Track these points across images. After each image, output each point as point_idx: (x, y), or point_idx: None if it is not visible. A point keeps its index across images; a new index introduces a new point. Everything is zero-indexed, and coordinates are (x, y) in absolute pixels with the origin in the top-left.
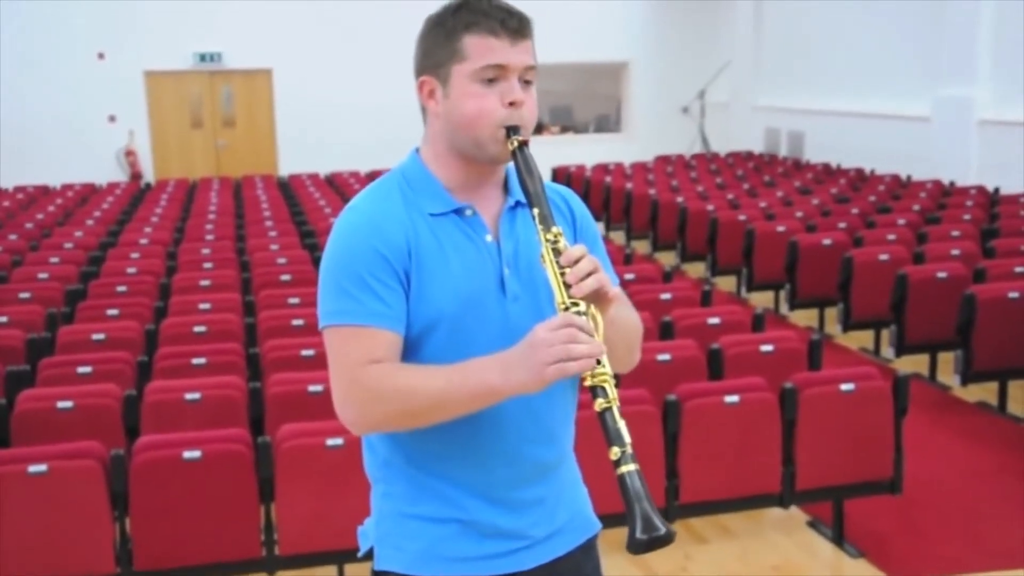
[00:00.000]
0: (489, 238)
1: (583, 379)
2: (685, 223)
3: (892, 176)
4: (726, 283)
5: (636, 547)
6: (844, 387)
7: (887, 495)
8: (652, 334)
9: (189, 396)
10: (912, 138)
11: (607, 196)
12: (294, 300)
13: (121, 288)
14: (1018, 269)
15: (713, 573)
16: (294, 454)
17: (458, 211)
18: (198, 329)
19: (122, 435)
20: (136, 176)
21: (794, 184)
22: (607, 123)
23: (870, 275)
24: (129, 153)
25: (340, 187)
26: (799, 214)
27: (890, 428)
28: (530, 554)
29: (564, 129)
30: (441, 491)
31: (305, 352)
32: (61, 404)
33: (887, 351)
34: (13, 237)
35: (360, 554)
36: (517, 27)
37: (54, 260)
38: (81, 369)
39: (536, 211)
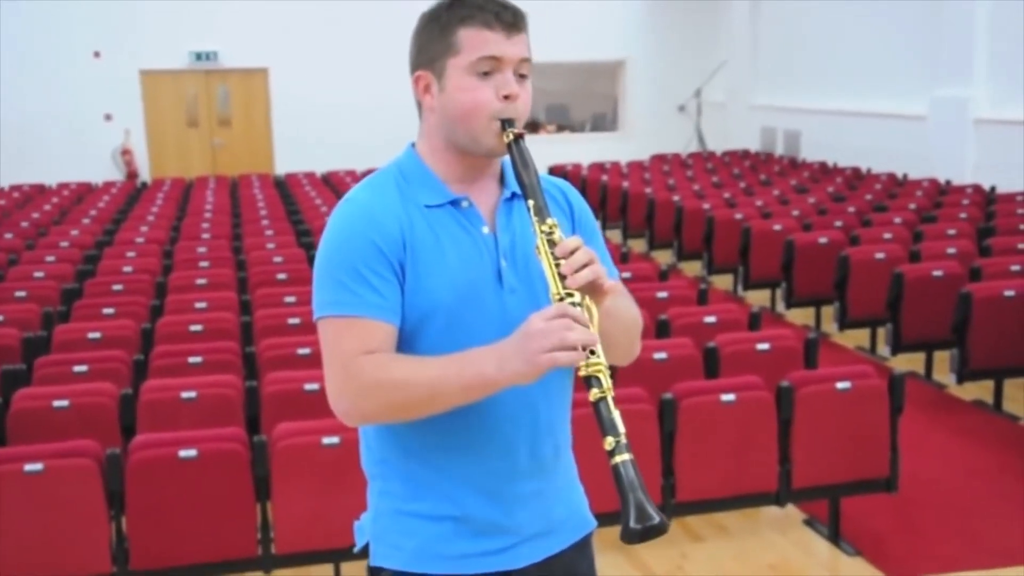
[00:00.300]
0: (486, 230)
1: (577, 369)
2: (681, 222)
3: (888, 175)
4: (722, 282)
5: (630, 537)
6: (840, 385)
7: (883, 493)
8: (648, 332)
9: (185, 395)
10: (908, 137)
11: (603, 195)
12: (290, 299)
13: (117, 287)
14: (1014, 268)
15: (709, 571)
16: (290, 453)
17: (454, 203)
18: (194, 328)
19: (118, 434)
20: (132, 175)
21: (790, 183)
22: (603, 122)
23: (866, 273)
24: (125, 152)
25: (336, 186)
26: (795, 213)
27: (886, 426)
28: (525, 550)
29: (560, 128)
30: (437, 486)
31: (301, 351)
32: (57, 403)
33: (883, 349)
34: (9, 236)
35: (356, 549)
36: (512, 20)
37: (50, 259)
38: (77, 368)
39: (531, 203)
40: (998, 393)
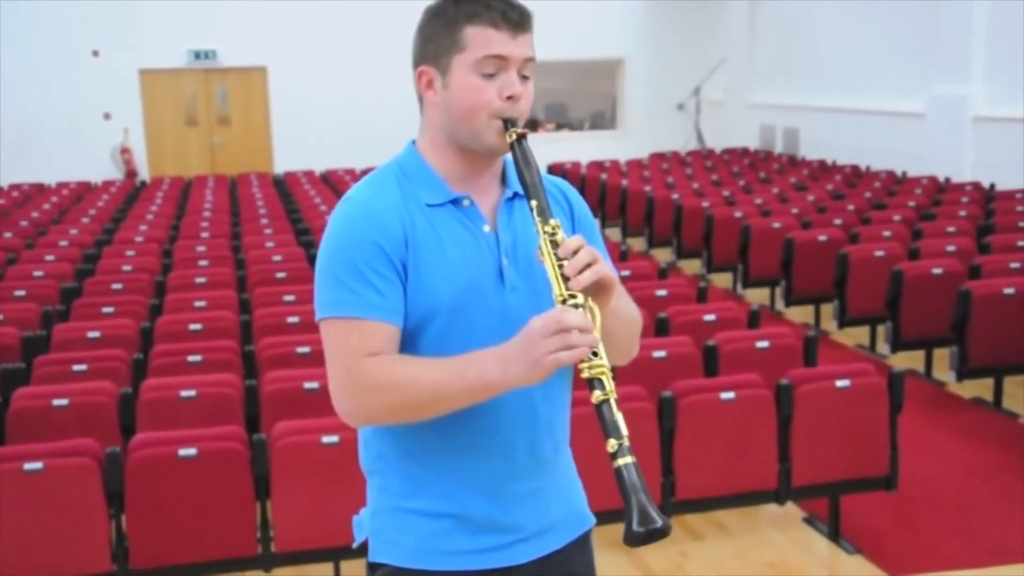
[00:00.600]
0: (487, 228)
1: (580, 371)
2: (681, 220)
3: (887, 173)
4: (722, 280)
5: (633, 539)
6: (840, 383)
7: (883, 491)
8: (648, 331)
9: (185, 393)
10: (907, 135)
11: (602, 193)
12: (289, 297)
13: (116, 286)
14: (1013, 265)
15: (709, 569)
16: (290, 451)
17: (455, 201)
18: (193, 327)
19: (118, 433)
20: (131, 174)
21: (790, 181)
22: (602, 120)
23: (866, 271)
24: (124, 151)
25: (335, 184)
26: (795, 211)
27: (886, 424)
28: (524, 548)
29: (559, 126)
30: (436, 485)
31: (301, 349)
32: (56, 402)
33: (883, 347)
34: (8, 235)
35: (355, 544)
36: (518, 20)
37: (49, 258)
38: (76, 367)
39: (534, 203)
40: (998, 391)
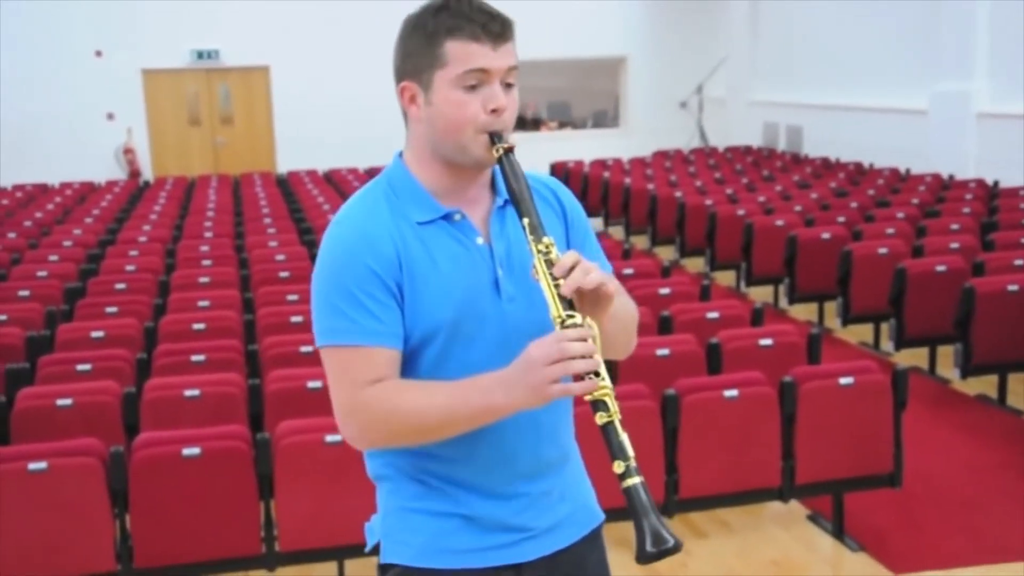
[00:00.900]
0: (480, 240)
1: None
2: (684, 218)
3: (891, 170)
4: (725, 278)
5: (646, 559)
6: (843, 381)
7: (887, 489)
8: (651, 329)
9: (188, 393)
10: (910, 132)
11: (605, 191)
12: (293, 297)
13: (120, 286)
14: (1017, 262)
15: (713, 568)
16: (293, 450)
17: (446, 217)
18: (197, 326)
19: (121, 432)
20: (134, 174)
21: (793, 178)
22: (605, 118)
23: (869, 269)
24: (127, 151)
25: (338, 184)
26: (798, 208)
27: (890, 422)
28: (532, 545)
29: (562, 125)
30: (443, 489)
31: (304, 348)
32: (61, 402)
33: (886, 345)
34: (12, 235)
35: (367, 548)
36: (499, 31)
37: (53, 258)
38: (80, 367)
39: (526, 221)
40: (1002, 388)
